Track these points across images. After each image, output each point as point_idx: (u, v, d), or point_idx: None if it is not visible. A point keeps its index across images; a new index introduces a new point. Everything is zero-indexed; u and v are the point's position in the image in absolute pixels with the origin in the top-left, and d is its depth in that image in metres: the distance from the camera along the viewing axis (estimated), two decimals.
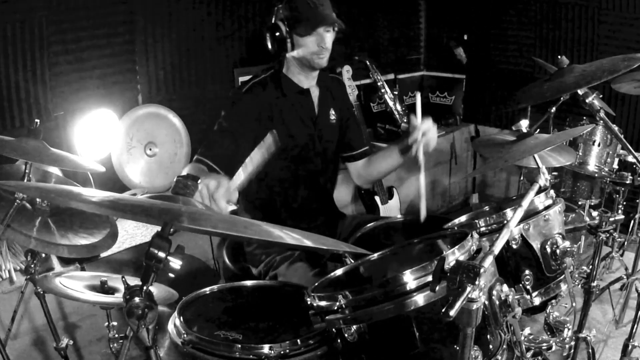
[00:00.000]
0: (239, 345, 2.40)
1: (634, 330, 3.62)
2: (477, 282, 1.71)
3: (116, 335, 3.12)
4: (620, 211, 4.77)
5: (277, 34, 3.39)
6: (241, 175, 2.54)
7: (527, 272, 2.65)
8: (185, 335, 2.50)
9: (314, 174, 3.71)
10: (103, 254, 3.81)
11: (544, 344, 2.88)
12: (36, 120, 3.06)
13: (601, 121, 3.34)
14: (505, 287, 2.00)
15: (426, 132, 3.32)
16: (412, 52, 7.73)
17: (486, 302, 1.96)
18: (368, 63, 6.18)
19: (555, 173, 5.12)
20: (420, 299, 2.06)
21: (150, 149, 4.87)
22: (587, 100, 3.22)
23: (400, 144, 3.55)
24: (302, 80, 3.57)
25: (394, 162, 3.71)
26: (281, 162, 3.53)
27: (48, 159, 3.05)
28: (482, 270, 1.72)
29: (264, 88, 3.50)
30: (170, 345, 2.64)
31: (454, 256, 2.13)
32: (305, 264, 3.41)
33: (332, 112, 3.75)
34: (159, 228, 1.85)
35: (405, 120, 6.47)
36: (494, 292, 1.97)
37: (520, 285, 2.65)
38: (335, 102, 3.80)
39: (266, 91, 3.49)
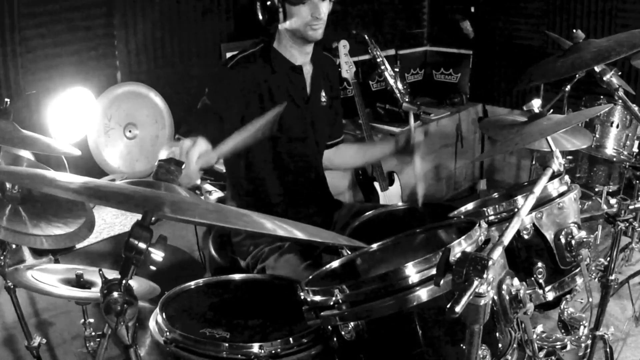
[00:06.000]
0: (227, 344, 2.41)
1: None
2: (485, 276, 1.71)
3: (93, 333, 3.13)
4: None
5: (269, 2, 3.38)
6: (229, 143, 2.56)
7: (539, 264, 2.66)
8: (167, 333, 2.50)
9: (307, 159, 3.72)
10: (79, 245, 3.80)
11: (558, 343, 2.89)
12: (6, 99, 3.05)
13: (620, 100, 3.33)
14: (515, 281, 2.00)
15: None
16: (414, 25, 7.71)
17: (495, 297, 1.96)
18: (367, 37, 6.16)
19: (570, 157, 5.13)
20: (423, 294, 2.06)
21: (129, 131, 4.86)
22: (604, 78, 3.22)
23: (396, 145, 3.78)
24: (295, 55, 3.56)
25: (372, 158, 4.24)
26: (271, 146, 3.53)
27: (19, 141, 3.04)
28: (490, 262, 1.72)
29: (252, 63, 3.49)
30: (151, 344, 2.64)
31: (460, 247, 2.13)
32: (296, 256, 3.41)
33: (323, 93, 3.77)
34: (139, 216, 1.84)
35: (407, 100, 6.47)
36: (504, 287, 1.97)
37: (532, 279, 2.66)
38: (327, 83, 3.81)
39: (254, 67, 3.48)
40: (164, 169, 2.19)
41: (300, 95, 3.62)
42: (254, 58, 3.51)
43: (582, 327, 2.96)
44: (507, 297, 1.98)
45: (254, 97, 3.44)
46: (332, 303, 2.20)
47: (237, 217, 1.90)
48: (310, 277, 2.51)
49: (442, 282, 1.85)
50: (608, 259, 3.37)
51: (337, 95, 3.95)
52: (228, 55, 3.62)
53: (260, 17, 3.44)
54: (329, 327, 2.25)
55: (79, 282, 3.00)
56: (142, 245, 1.80)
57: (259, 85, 3.46)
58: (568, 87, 5.06)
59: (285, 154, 3.61)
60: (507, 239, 1.94)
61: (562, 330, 3.01)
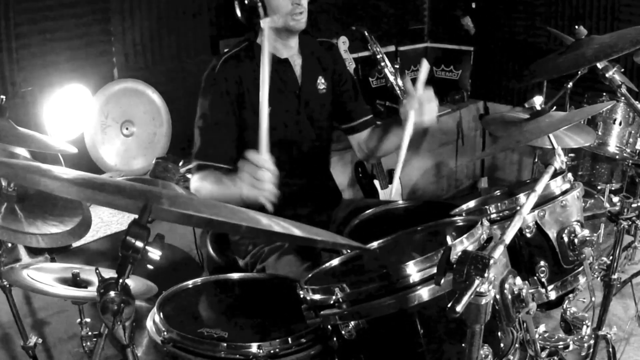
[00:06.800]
0: (225, 344, 2.40)
1: None
2: (486, 275, 1.71)
3: (89, 333, 3.12)
4: None
5: (246, 0, 3.37)
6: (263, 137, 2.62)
7: (542, 263, 2.66)
8: (165, 333, 2.49)
9: (304, 152, 3.70)
10: (75, 244, 3.80)
11: (561, 343, 2.89)
12: (1, 96, 3.05)
13: (622, 97, 3.33)
14: (518, 280, 2.00)
15: (423, 102, 3.34)
16: (414, 21, 7.72)
17: (497, 297, 1.96)
18: (366, 34, 6.15)
19: (572, 155, 5.13)
20: (424, 293, 2.06)
21: (126, 128, 4.86)
22: (607, 75, 3.23)
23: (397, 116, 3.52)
24: (280, 49, 3.55)
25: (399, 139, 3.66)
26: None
27: (14, 139, 3.03)
28: (492, 261, 1.72)
29: (237, 62, 3.49)
30: (148, 344, 2.65)
31: (461, 246, 2.13)
32: (296, 257, 3.39)
33: (322, 80, 3.72)
34: (136, 215, 1.84)
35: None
36: (506, 286, 1.97)
37: (535, 277, 2.66)
38: (326, 69, 3.77)
39: (240, 65, 3.48)
40: (162, 166, 2.20)
41: (291, 88, 3.61)
42: (239, 56, 3.52)
43: (584, 327, 2.96)
44: (509, 296, 1.97)
45: (246, 96, 3.43)
46: (332, 302, 2.19)
47: (234, 213, 1.89)
48: (310, 275, 2.51)
49: (443, 281, 1.85)
50: (611, 257, 3.37)
51: (342, 75, 3.87)
52: (226, 51, 3.62)
53: (239, 15, 3.44)
54: (329, 326, 2.25)
55: (76, 281, 2.99)
56: (139, 244, 1.80)
57: (244, 84, 3.44)
58: (570, 84, 5.05)
59: (281, 148, 3.59)
60: (509, 237, 1.94)
61: (565, 330, 3.00)
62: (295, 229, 1.92)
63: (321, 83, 3.71)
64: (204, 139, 3.41)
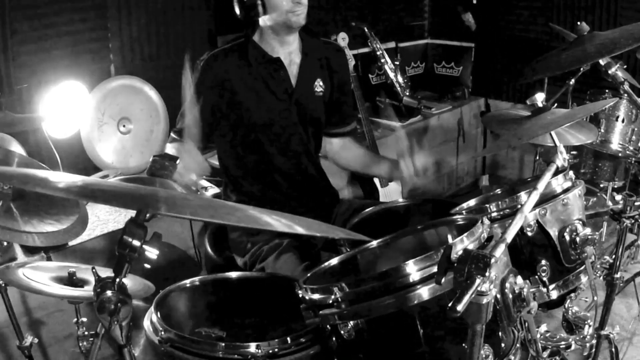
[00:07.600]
0: (223, 344, 2.40)
1: None
2: (487, 274, 1.70)
3: (86, 333, 3.12)
4: None
5: None
6: None
7: (543, 262, 2.65)
8: (162, 333, 2.49)
9: (294, 153, 3.69)
10: (71, 242, 3.80)
11: (562, 343, 2.89)
12: None
13: (625, 94, 3.33)
14: (519, 279, 2.00)
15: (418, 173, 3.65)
16: (415, 17, 7.71)
17: (498, 296, 1.96)
18: (366, 30, 6.15)
19: (574, 152, 5.12)
20: (424, 292, 2.05)
21: (123, 126, 4.86)
22: (609, 71, 3.22)
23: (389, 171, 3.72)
24: (276, 47, 3.53)
25: (370, 171, 3.93)
26: (252, 141, 3.52)
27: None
28: (493, 260, 1.72)
29: (226, 57, 3.50)
30: (146, 344, 2.63)
31: (462, 245, 2.12)
32: (296, 255, 3.39)
33: (320, 82, 3.69)
34: (133, 213, 1.84)
35: (407, 94, 6.46)
36: (507, 285, 1.97)
37: (536, 277, 2.65)
38: (327, 71, 3.73)
39: (228, 61, 3.49)
40: (159, 164, 2.19)
41: (282, 88, 3.56)
42: (230, 52, 3.52)
43: (586, 327, 2.95)
44: (511, 296, 1.97)
45: (227, 90, 3.44)
46: (331, 301, 2.19)
47: (231, 213, 1.89)
48: (309, 274, 2.51)
49: (443, 280, 1.85)
50: (613, 256, 3.36)
51: (342, 80, 3.83)
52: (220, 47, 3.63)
53: (238, 12, 3.43)
54: (328, 326, 2.25)
55: (72, 281, 2.99)
56: (136, 243, 1.80)
57: (231, 80, 3.44)
58: (572, 81, 5.05)
59: (272, 149, 3.58)
60: (510, 236, 1.94)
61: (567, 330, 3.00)
62: (296, 226, 1.91)
63: (319, 85, 3.68)
64: (182, 114, 3.48)
